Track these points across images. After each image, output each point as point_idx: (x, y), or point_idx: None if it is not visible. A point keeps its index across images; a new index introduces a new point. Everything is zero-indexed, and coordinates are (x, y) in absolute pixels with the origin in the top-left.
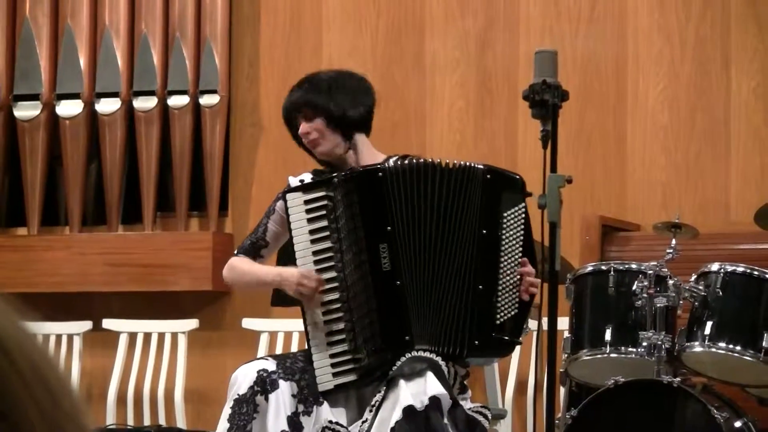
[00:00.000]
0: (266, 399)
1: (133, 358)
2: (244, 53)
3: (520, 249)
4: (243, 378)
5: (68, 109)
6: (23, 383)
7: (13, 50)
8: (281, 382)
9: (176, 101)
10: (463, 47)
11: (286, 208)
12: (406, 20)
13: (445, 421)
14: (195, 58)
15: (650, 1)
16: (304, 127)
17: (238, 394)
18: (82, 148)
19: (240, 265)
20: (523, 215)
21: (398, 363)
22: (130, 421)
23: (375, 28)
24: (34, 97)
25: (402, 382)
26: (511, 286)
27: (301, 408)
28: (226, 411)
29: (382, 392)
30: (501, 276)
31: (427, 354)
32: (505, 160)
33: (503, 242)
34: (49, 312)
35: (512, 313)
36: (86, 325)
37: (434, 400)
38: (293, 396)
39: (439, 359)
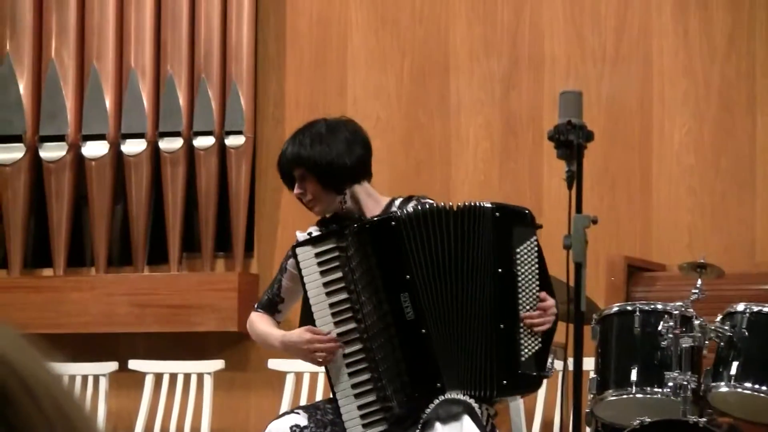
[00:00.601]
0: None
1: (159, 398)
2: (269, 94)
3: (537, 282)
4: None
5: (94, 149)
6: (47, 423)
7: (39, 91)
8: None
9: (202, 142)
10: (487, 88)
11: (297, 263)
12: (431, 61)
13: None
14: (220, 99)
15: (675, 42)
16: (297, 189)
17: None
18: (108, 189)
19: (255, 325)
20: (536, 248)
21: (431, 406)
22: None
23: (400, 68)
24: (60, 138)
25: (438, 425)
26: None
27: None
28: None
29: None
30: (521, 312)
31: (461, 396)
32: (530, 201)
33: (519, 278)
34: (75, 353)
35: (536, 348)
36: (112, 365)
37: None
38: None
39: (472, 402)
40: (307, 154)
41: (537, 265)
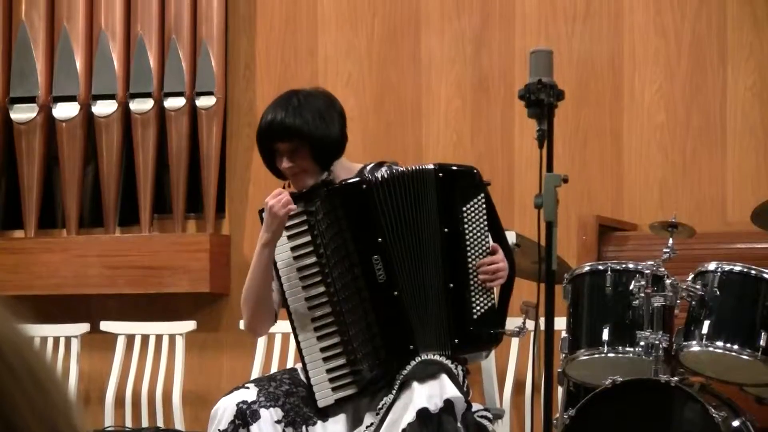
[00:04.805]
0: (248, 431)
1: (131, 360)
2: (240, 55)
3: (487, 240)
4: (223, 413)
5: (65, 111)
6: (14, 379)
7: (9, 53)
8: (262, 411)
9: (173, 103)
10: (458, 46)
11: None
12: (402, 20)
13: (458, 425)
14: (191, 60)
15: None
16: (287, 163)
17: (219, 430)
18: (79, 151)
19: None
20: (484, 206)
21: (407, 368)
22: (128, 423)
23: (371, 27)
24: (30, 100)
25: (415, 384)
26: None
27: (289, 431)
28: None
29: (393, 394)
30: (471, 271)
31: (436, 357)
32: (502, 160)
33: (467, 236)
34: (47, 315)
35: (489, 304)
36: (84, 327)
37: (448, 403)
38: (277, 422)
39: (449, 362)
40: (308, 129)
41: (486, 223)
